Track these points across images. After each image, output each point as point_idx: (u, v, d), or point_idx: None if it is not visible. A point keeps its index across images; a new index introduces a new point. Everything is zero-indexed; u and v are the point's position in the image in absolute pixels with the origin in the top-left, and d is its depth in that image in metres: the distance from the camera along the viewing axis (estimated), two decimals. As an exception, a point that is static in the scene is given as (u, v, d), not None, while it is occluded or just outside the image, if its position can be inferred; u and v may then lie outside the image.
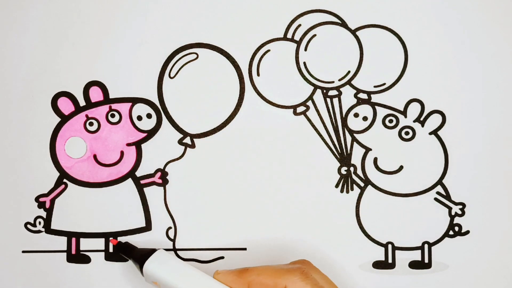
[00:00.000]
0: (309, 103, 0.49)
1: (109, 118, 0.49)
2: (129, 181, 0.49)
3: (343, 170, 0.49)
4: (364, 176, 0.49)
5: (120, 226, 0.48)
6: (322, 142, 0.49)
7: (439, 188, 0.49)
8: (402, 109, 0.49)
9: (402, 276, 0.49)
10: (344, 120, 0.49)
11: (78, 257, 0.48)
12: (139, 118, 0.49)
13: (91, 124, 0.49)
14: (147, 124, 0.49)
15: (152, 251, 0.44)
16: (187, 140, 0.49)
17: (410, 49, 0.49)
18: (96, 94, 0.49)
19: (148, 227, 0.49)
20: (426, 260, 0.49)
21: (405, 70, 0.49)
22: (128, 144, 0.49)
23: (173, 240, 0.48)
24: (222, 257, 0.49)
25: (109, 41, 0.49)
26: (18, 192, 0.48)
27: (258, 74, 0.49)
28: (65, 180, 0.49)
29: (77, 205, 0.48)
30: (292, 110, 0.49)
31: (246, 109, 0.49)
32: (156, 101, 0.49)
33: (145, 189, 0.49)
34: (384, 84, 0.49)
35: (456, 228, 0.49)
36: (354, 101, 0.49)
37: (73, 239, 0.48)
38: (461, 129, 0.49)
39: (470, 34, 0.49)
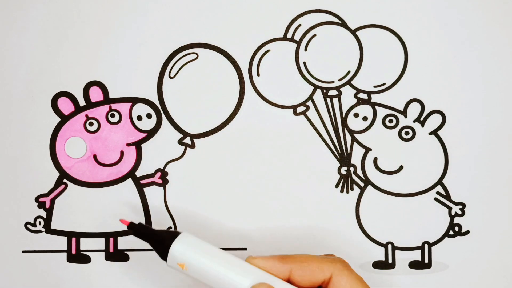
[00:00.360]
0: (309, 103, 0.49)
1: (109, 118, 0.49)
2: (129, 181, 0.49)
3: (343, 170, 0.49)
4: (364, 176, 0.49)
5: (120, 226, 0.48)
6: (322, 142, 0.49)
7: (439, 188, 0.49)
8: (402, 109, 0.49)
9: (402, 276, 0.49)
10: (344, 120, 0.49)
11: (78, 257, 0.48)
12: (139, 118, 0.49)
13: (91, 124, 0.49)
14: (147, 124, 0.49)
15: (175, 232, 0.41)
16: (187, 140, 0.49)
17: (410, 49, 0.49)
18: (96, 94, 0.49)
19: (148, 227, 0.49)
20: (426, 260, 0.49)
21: (405, 70, 0.49)
22: (128, 144, 0.49)
23: (173, 240, 0.48)
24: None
25: (109, 41, 0.49)
26: (18, 192, 0.48)
27: (258, 74, 0.49)
28: (65, 180, 0.49)
29: (77, 205, 0.48)
30: (292, 110, 0.49)
31: (246, 109, 0.49)
32: (156, 101, 0.49)
33: (145, 189, 0.49)
34: (384, 84, 0.49)
35: (456, 228, 0.49)
36: (354, 101, 0.49)
37: (73, 239, 0.48)
38: (461, 129, 0.49)
39: (470, 34, 0.49)
